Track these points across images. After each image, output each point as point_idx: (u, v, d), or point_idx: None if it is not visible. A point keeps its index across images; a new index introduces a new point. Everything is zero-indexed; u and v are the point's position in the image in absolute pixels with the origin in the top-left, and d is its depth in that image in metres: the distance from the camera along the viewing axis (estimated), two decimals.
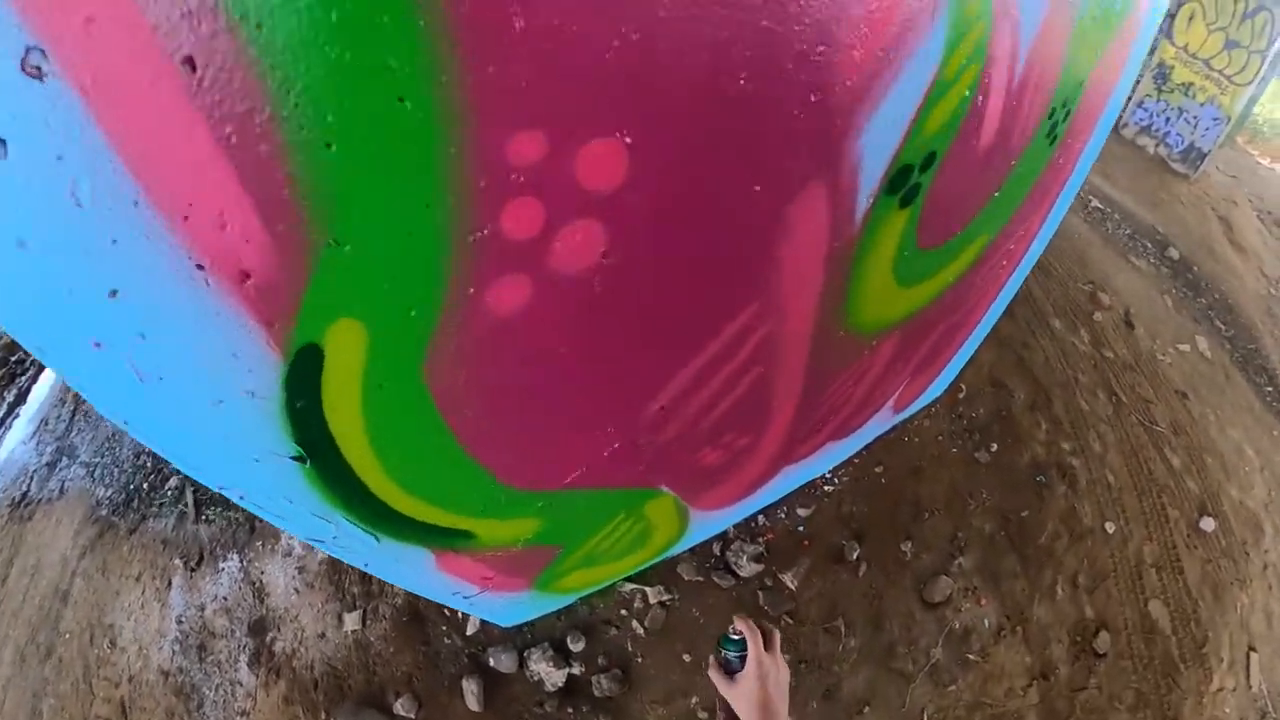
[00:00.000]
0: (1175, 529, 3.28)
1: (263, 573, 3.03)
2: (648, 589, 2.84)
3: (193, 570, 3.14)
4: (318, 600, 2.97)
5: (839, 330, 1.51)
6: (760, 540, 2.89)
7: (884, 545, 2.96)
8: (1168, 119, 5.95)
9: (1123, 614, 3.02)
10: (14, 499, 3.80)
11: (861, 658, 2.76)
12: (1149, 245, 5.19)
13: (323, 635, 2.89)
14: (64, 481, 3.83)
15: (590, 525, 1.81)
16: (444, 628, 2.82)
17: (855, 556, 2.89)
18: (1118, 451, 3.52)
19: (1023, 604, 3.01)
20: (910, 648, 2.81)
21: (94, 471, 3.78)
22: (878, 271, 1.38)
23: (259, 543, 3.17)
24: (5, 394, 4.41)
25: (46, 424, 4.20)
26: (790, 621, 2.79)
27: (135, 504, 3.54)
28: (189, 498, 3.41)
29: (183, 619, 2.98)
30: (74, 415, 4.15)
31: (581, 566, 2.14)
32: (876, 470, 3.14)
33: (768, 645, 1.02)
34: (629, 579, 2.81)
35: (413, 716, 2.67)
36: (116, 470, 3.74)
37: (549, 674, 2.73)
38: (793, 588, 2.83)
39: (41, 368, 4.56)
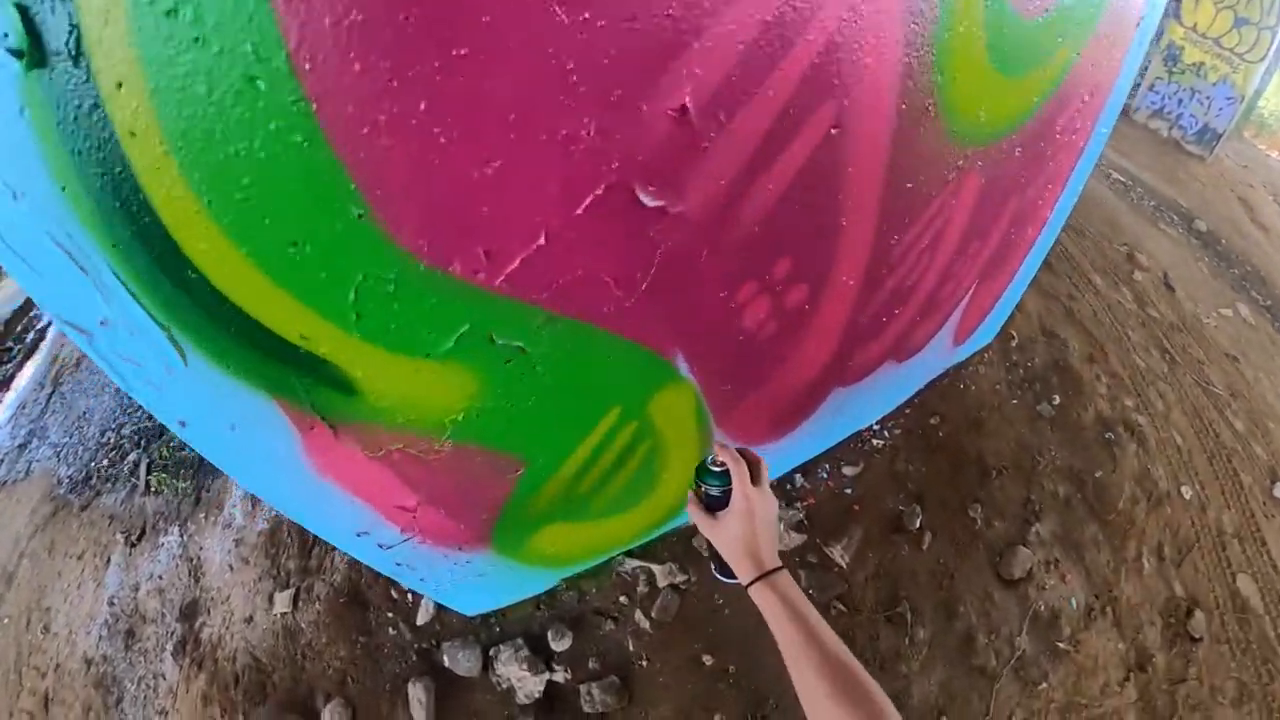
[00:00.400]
0: (1251, 495, 2.86)
1: (201, 548, 2.67)
2: (655, 567, 2.09)
3: (133, 546, 2.87)
4: (251, 577, 2.40)
5: (925, 126, 1.15)
6: (799, 505, 2.23)
7: (949, 510, 2.31)
8: (1180, 101, 5.60)
9: (1212, 591, 2.53)
10: None
11: (934, 653, 2.11)
12: (1175, 217, 4.89)
13: (250, 619, 2.27)
14: (31, 463, 3.73)
15: (568, 418, 1.15)
16: (389, 614, 2.08)
17: (918, 525, 2.23)
18: (1180, 411, 3.10)
19: (1109, 579, 2.44)
20: (991, 637, 2.18)
21: (60, 451, 3.67)
22: (969, 50, 1.10)
23: (202, 514, 2.84)
24: None
25: (24, 408, 4.15)
26: (842, 609, 2.06)
27: (92, 481, 3.37)
28: (142, 470, 3.18)
29: (115, 600, 2.66)
30: (50, 398, 4.12)
31: (560, 517, 1.47)
32: (932, 422, 2.49)
33: (754, 477, 0.87)
34: (629, 554, 2.13)
35: None
36: (81, 449, 3.63)
37: (522, 680, 1.96)
38: (843, 564, 2.11)
39: (27, 355, 4.67)
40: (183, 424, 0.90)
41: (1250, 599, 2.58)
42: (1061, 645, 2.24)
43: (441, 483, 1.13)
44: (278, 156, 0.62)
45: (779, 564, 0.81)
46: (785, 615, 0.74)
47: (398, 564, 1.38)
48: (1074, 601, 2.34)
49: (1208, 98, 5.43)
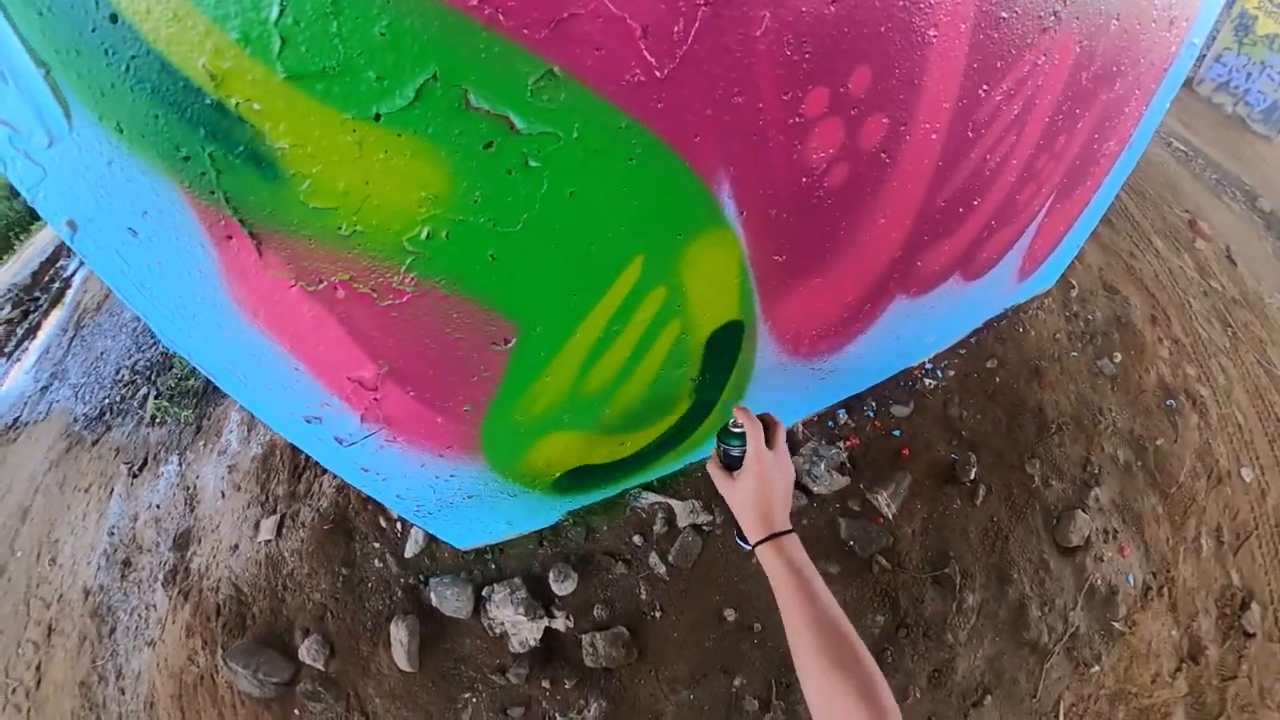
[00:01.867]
0: None
1: (198, 476, 2.60)
2: (676, 504, 1.82)
3: (135, 476, 2.83)
4: (240, 504, 2.25)
5: None
6: (842, 445, 1.93)
7: (1005, 464, 2.00)
8: (1249, 75, 5.12)
9: (1269, 584, 2.28)
10: (7, 424, 3.74)
11: (982, 623, 1.83)
12: (1238, 193, 4.47)
13: (236, 548, 2.11)
14: (51, 403, 3.75)
15: (574, 261, 0.88)
16: (375, 544, 1.86)
17: (971, 477, 1.92)
18: (1242, 389, 2.81)
19: (1168, 558, 2.16)
20: (1045, 610, 1.89)
21: (78, 391, 3.69)
22: None
23: (201, 442, 2.77)
24: (17, 329, 4.60)
25: (48, 352, 4.21)
26: (885, 564, 1.80)
27: (105, 416, 3.36)
28: (150, 402, 3.15)
29: (115, 530, 2.62)
30: (72, 342, 4.15)
31: (566, 423, 1.22)
32: (989, 366, 2.19)
33: (771, 441, 0.86)
34: (647, 486, 1.88)
35: (320, 666, 1.72)
36: (97, 387, 3.63)
37: (517, 626, 1.72)
38: (889, 514, 1.83)
39: (54, 303, 4.76)
40: (72, 227, 0.67)
41: None
42: (1117, 626, 1.98)
43: (408, 347, 0.87)
44: None
45: (789, 527, 0.82)
46: (787, 575, 0.74)
47: (364, 469, 1.14)
48: (1131, 578, 2.07)
49: None
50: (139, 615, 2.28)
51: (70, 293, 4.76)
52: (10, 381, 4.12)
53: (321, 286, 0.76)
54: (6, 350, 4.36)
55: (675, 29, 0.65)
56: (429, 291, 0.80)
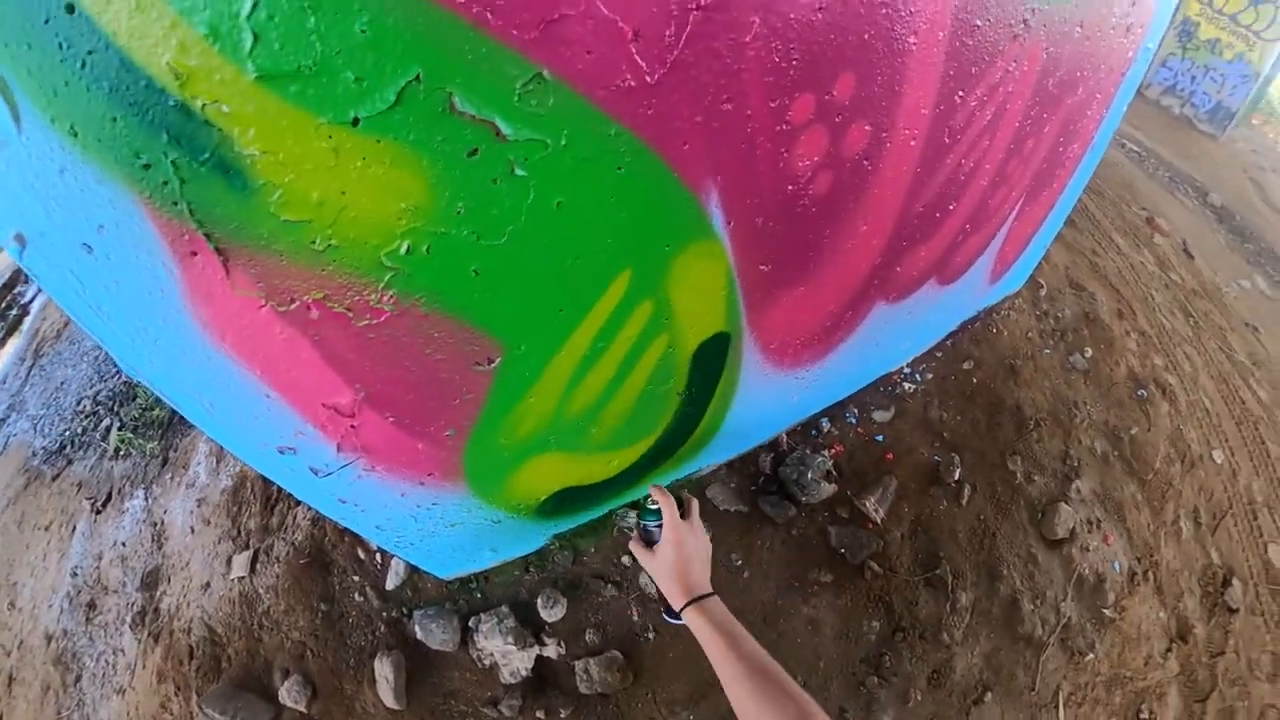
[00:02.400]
0: (1278, 464, 2.72)
1: (165, 511, 2.50)
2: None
3: (98, 512, 2.71)
4: (211, 539, 2.16)
5: None
6: (827, 453, 1.92)
7: (987, 463, 2.03)
8: (1193, 78, 5.41)
9: (1246, 560, 2.38)
10: None
11: (977, 620, 1.83)
12: (1190, 190, 4.72)
13: (207, 586, 2.02)
14: (9, 437, 3.57)
15: (561, 276, 0.86)
16: (355, 577, 1.78)
17: (956, 477, 1.95)
18: (1207, 375, 2.96)
19: (1150, 543, 2.22)
20: (1036, 603, 1.91)
21: (37, 423, 3.55)
22: None
23: (168, 475, 2.66)
24: None
25: (4, 383, 4.04)
26: (877, 570, 1.79)
27: (66, 450, 3.22)
28: (113, 433, 3.00)
29: (78, 571, 2.51)
30: (30, 372, 4.02)
31: (551, 445, 1.18)
32: (965, 367, 2.24)
33: (684, 513, 0.96)
34: (634, 505, 1.84)
35: (302, 708, 1.63)
36: (56, 419, 3.50)
37: (507, 656, 1.66)
38: (877, 519, 1.83)
39: (10, 332, 4.57)
40: (20, 242, 0.63)
41: None
42: (1107, 613, 2.02)
43: (386, 370, 0.83)
44: None
45: (709, 590, 0.88)
46: (714, 635, 0.79)
47: (341, 501, 1.09)
48: (1117, 565, 2.12)
49: (1222, 75, 5.23)
50: (106, 661, 2.17)
51: (28, 320, 4.58)
52: None
53: (294, 306, 0.71)
54: None
55: (667, 33, 0.63)
56: (408, 310, 0.76)
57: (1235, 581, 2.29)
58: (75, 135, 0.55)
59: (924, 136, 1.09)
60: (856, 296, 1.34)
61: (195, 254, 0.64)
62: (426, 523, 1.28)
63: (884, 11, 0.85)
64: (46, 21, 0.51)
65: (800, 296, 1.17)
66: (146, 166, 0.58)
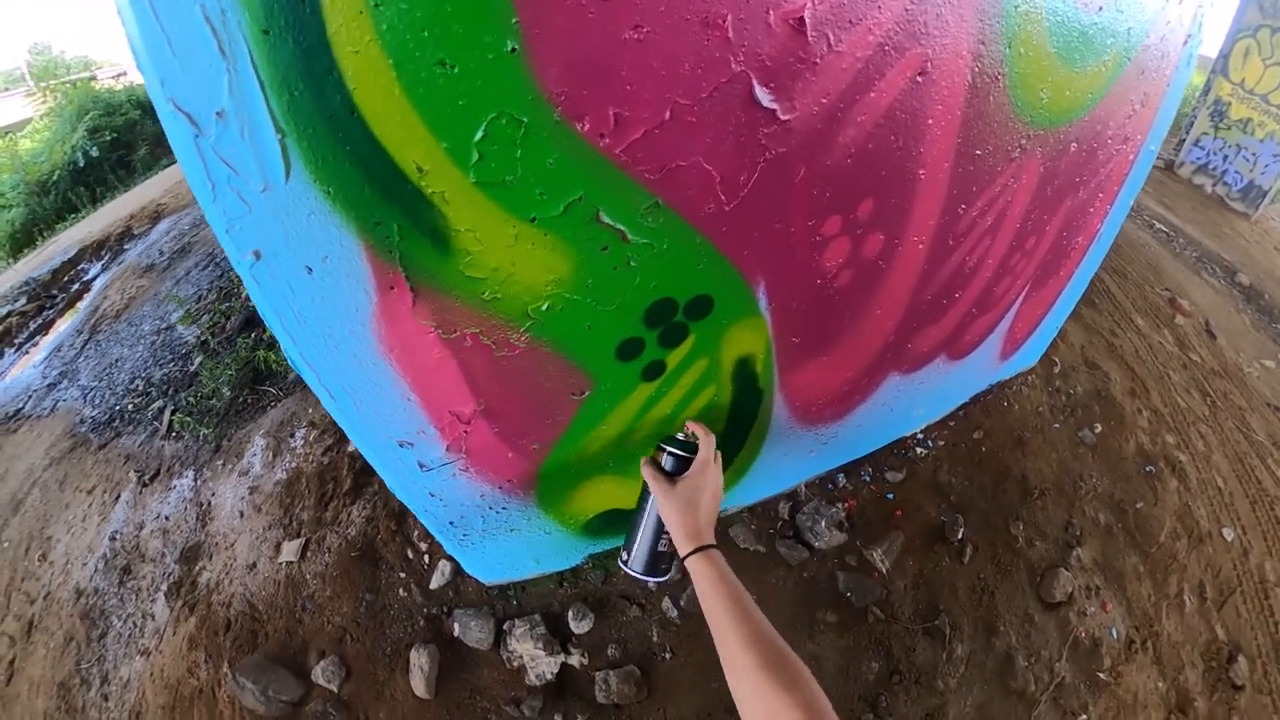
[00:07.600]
0: None
1: (214, 493, 2.68)
2: None
3: (145, 485, 2.91)
4: (260, 525, 2.37)
5: (995, 96, 1.26)
6: (840, 505, 2.18)
7: (991, 526, 2.25)
8: (1225, 157, 5.70)
9: (1255, 639, 2.48)
10: (7, 414, 3.82)
11: (971, 672, 2.06)
12: (1217, 269, 4.92)
13: (253, 566, 2.23)
14: (57, 401, 3.85)
15: (636, 313, 1.13)
16: (402, 574, 2.05)
17: (959, 537, 2.17)
18: (1222, 455, 3.06)
19: (1150, 614, 2.40)
20: (1030, 661, 2.14)
21: (88, 394, 3.80)
22: (1034, 28, 1.20)
23: (219, 461, 2.86)
24: (30, 323, 4.78)
25: (59, 350, 4.33)
26: (879, 615, 2.01)
27: (115, 423, 3.46)
28: (166, 415, 3.27)
29: (117, 536, 2.68)
30: (85, 344, 4.31)
31: (610, 468, 1.49)
32: (976, 436, 2.46)
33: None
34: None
35: (334, 688, 1.82)
36: (108, 393, 3.75)
37: (535, 660, 1.87)
38: (883, 569, 2.06)
39: (70, 304, 4.93)
40: (256, 256, 0.83)
41: None
42: (1102, 676, 2.19)
43: (505, 390, 1.13)
44: None
45: (714, 541, 0.89)
46: (718, 584, 0.79)
47: (431, 495, 1.37)
48: (1114, 632, 2.30)
49: (1254, 154, 5.48)
50: (134, 623, 2.35)
51: (89, 296, 4.88)
52: (16, 373, 4.16)
53: (454, 335, 1.00)
54: (16, 341, 4.44)
55: (741, 178, 0.98)
56: (536, 349, 1.07)
57: (1241, 658, 2.37)
58: (329, 194, 0.78)
59: (930, 241, 1.41)
60: (872, 367, 1.64)
61: (393, 288, 0.88)
62: (492, 523, 1.56)
63: (898, 153, 1.19)
64: (331, 116, 0.72)
65: (823, 364, 1.49)
66: (377, 224, 0.81)
